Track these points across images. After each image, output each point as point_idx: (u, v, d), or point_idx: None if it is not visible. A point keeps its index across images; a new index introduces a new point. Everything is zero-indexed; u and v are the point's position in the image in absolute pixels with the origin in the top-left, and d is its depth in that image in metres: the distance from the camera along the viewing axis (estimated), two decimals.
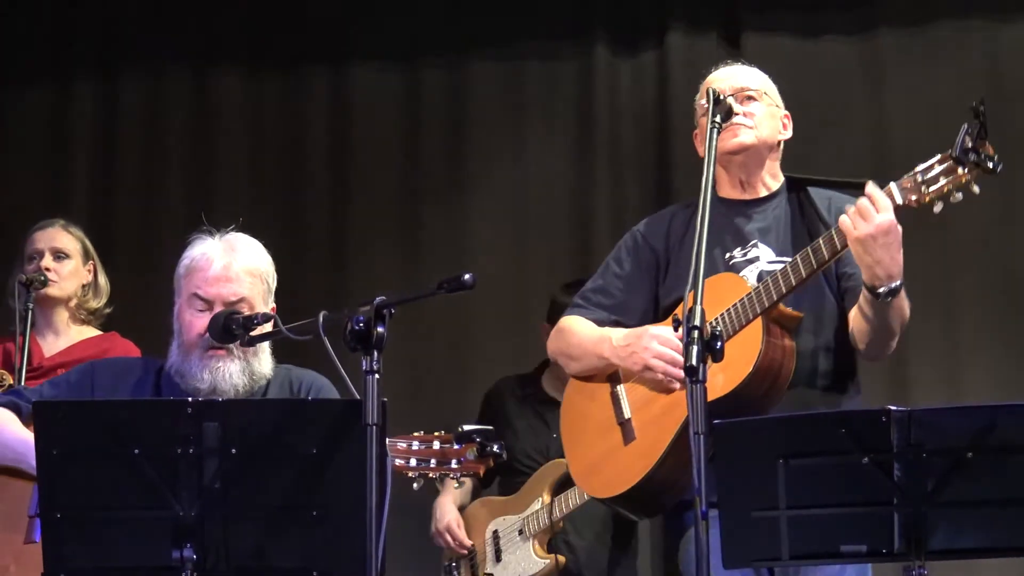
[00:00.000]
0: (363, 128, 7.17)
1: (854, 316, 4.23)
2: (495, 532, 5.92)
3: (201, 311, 4.28)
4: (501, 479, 6.07)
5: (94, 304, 5.78)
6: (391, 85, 7.17)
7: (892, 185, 4.03)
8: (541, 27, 7.09)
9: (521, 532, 5.83)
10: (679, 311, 3.64)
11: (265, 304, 4.35)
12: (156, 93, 7.28)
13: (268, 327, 4.19)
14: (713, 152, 4.01)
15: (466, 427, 3.90)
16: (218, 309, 4.26)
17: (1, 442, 4.27)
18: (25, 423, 4.31)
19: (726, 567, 3.63)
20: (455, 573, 6.02)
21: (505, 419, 6.02)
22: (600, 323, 4.51)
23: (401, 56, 7.17)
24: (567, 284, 6.01)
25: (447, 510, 6.03)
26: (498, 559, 5.89)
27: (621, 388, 4.44)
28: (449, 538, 5.99)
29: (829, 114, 6.57)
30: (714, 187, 4.35)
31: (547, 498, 5.76)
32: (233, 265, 4.31)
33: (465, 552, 5.98)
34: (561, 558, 5.80)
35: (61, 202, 6.83)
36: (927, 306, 5.86)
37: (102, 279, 5.83)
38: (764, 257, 4.37)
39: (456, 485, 4.02)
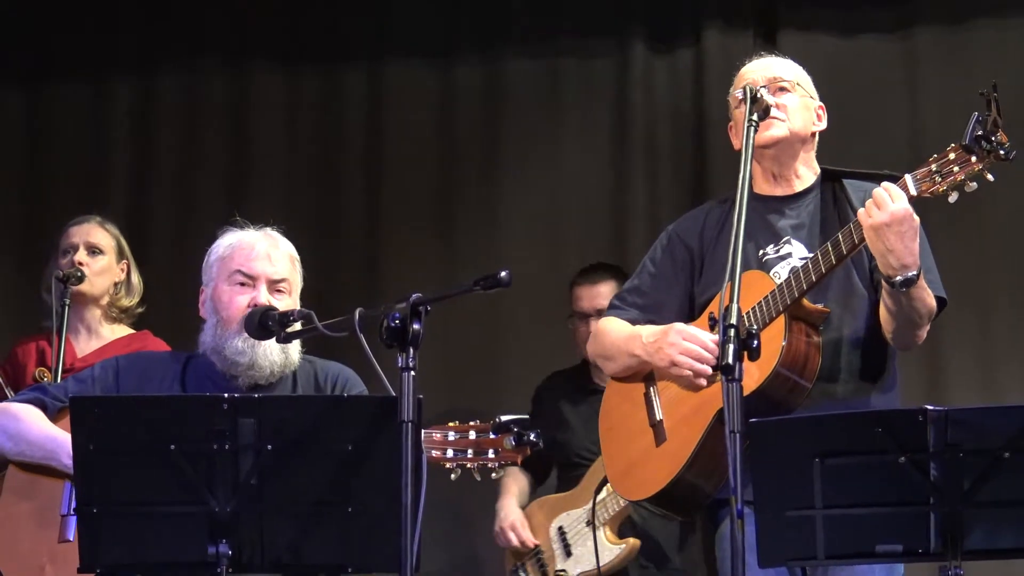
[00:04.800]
0: (398, 126, 7.16)
1: (881, 307, 4.22)
2: (560, 528, 5.88)
3: (243, 285, 4.31)
4: (561, 474, 6.05)
5: (126, 302, 5.75)
6: (426, 83, 7.17)
7: (907, 177, 4.05)
8: (577, 25, 7.07)
9: (589, 523, 5.77)
10: (714, 308, 3.63)
11: (297, 295, 4.37)
12: (192, 91, 7.29)
13: (298, 325, 4.19)
14: (750, 151, 4.01)
15: (503, 417, 3.90)
16: (260, 287, 4.29)
17: (30, 440, 4.28)
18: (51, 419, 4.33)
19: (762, 566, 3.63)
20: (522, 575, 6.00)
21: (559, 415, 6.04)
22: (634, 322, 4.50)
23: (437, 54, 7.16)
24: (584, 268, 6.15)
25: (510, 510, 6.02)
26: (568, 554, 5.85)
27: (654, 389, 4.44)
28: (513, 536, 5.95)
29: (865, 112, 6.54)
30: (749, 183, 4.34)
31: (612, 486, 5.71)
32: (276, 247, 4.37)
33: (529, 550, 5.93)
34: (635, 541, 5.74)
35: (98, 200, 6.83)
36: (962, 303, 5.82)
37: (135, 278, 5.79)
38: (796, 253, 4.36)
39: (495, 475, 4.01)
